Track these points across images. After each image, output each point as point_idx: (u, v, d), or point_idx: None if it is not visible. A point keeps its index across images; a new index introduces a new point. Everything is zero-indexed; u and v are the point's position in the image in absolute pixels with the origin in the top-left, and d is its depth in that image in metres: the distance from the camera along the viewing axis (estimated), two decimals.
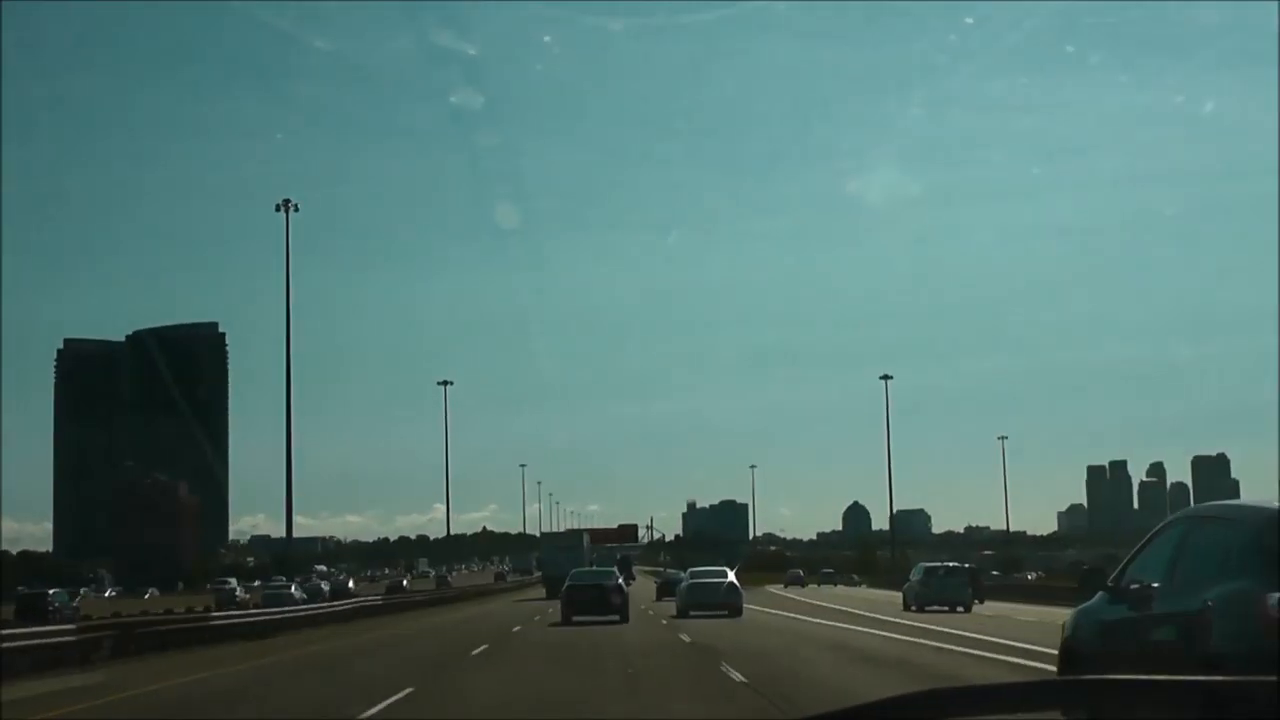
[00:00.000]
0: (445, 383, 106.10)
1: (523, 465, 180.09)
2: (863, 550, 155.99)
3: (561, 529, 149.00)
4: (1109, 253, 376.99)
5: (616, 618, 41.72)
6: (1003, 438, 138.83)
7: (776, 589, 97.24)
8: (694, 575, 51.61)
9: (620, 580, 47.36)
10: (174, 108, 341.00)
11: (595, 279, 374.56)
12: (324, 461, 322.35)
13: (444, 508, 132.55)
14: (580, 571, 50.89)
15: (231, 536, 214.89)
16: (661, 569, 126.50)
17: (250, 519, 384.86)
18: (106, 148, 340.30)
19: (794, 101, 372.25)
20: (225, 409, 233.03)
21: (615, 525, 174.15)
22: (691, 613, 46.63)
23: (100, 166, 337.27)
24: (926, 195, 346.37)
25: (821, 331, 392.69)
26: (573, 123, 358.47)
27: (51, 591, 59.77)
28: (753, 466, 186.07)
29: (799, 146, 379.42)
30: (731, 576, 50.47)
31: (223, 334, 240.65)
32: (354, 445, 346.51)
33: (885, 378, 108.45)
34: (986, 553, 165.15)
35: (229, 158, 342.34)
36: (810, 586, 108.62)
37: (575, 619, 41.77)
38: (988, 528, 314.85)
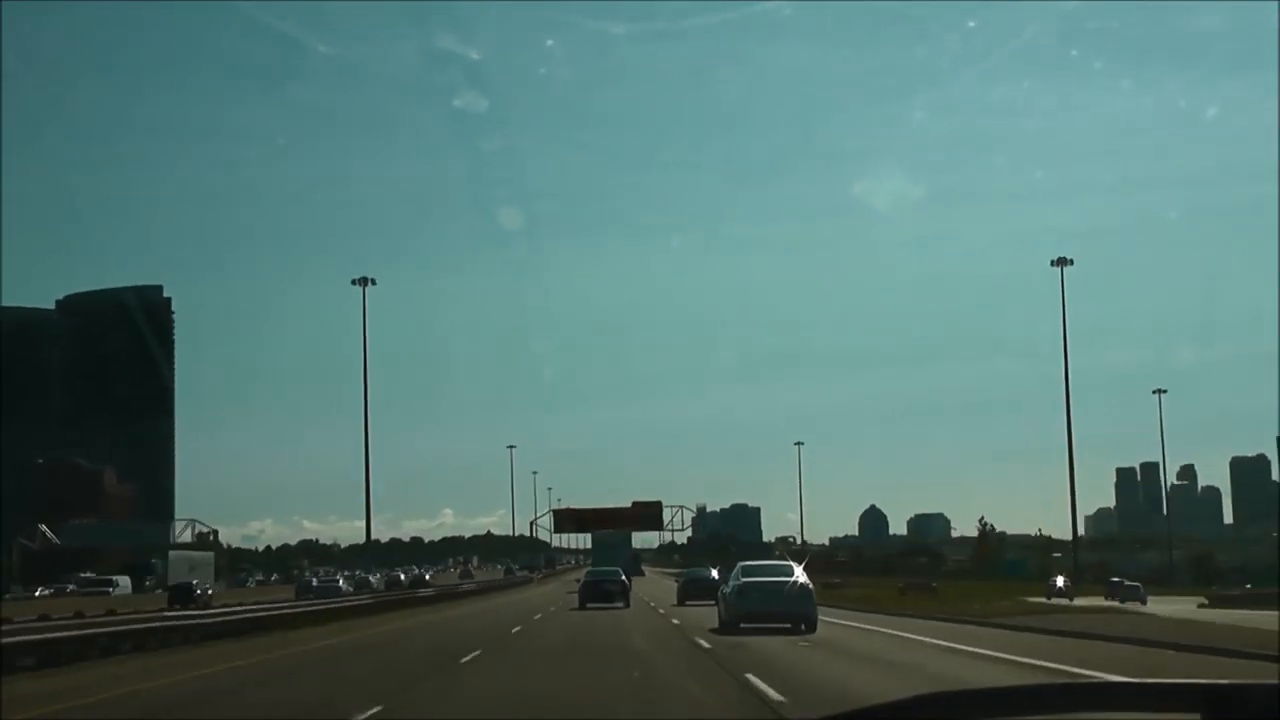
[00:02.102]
0: (364, 281, 75.85)
1: (510, 446, 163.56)
2: (980, 552, 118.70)
3: (573, 536, 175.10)
4: (1112, 256, 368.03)
5: (621, 604, 53.44)
6: (1159, 391, 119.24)
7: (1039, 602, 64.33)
8: (748, 572, 35.87)
9: (624, 578, 58.59)
10: (176, 111, 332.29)
11: (599, 282, 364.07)
12: (330, 466, 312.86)
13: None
14: (594, 570, 65.49)
15: (179, 534, 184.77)
16: (684, 570, 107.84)
17: (257, 524, 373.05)
18: (109, 151, 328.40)
19: (797, 105, 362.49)
20: (171, 385, 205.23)
21: (629, 504, 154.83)
22: (744, 625, 34.05)
23: (102, 170, 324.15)
24: (930, 198, 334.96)
25: (827, 335, 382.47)
26: (576, 126, 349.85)
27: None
28: (798, 443, 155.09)
29: (802, 150, 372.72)
30: (800, 573, 34.78)
31: (168, 299, 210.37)
32: (360, 450, 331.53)
33: (1061, 262, 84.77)
34: (1056, 555, 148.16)
35: (231, 161, 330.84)
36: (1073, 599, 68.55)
37: (589, 605, 53.08)
38: (1004, 533, 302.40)
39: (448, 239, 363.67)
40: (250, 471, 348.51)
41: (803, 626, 33.95)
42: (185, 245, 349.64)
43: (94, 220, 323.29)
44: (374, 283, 74.08)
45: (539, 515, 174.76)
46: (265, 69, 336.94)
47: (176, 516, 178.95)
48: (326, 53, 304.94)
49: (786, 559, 42.34)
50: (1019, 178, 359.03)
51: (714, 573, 61.58)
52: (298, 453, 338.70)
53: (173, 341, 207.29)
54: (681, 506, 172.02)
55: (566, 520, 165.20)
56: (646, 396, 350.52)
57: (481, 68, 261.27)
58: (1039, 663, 23.09)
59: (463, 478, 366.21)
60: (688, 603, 56.84)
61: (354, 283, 73.70)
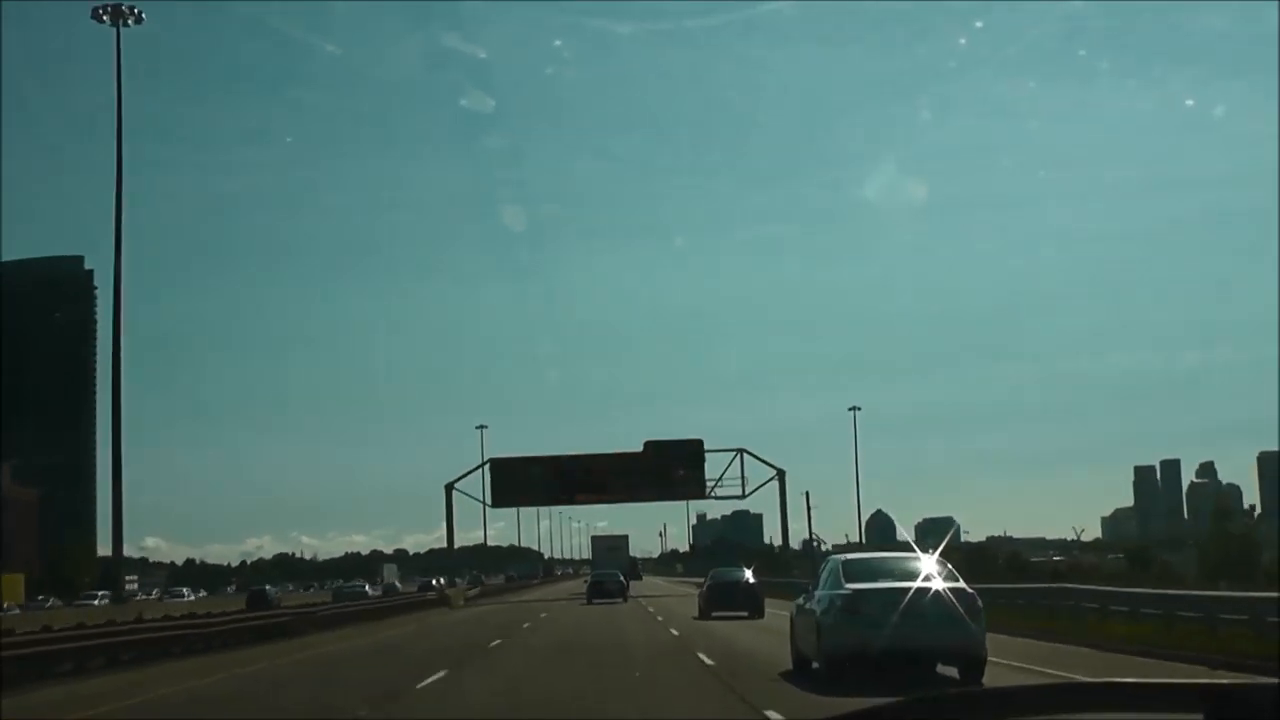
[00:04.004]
0: (113, 11, 52.23)
1: (480, 427, 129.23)
2: (1222, 542, 63.36)
3: (571, 543, 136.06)
4: (1118, 258, 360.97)
5: (620, 600, 65.11)
6: None
7: None
8: (855, 572, 20.86)
9: (622, 579, 71.20)
10: (181, 113, 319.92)
11: (602, 284, 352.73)
12: (335, 480, 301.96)
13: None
14: (597, 572, 78.33)
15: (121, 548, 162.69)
16: (704, 577, 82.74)
17: (255, 540, 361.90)
18: (111, 152, 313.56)
19: (802, 106, 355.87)
20: (90, 370, 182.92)
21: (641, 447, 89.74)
22: (834, 657, 19.54)
23: (105, 171, 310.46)
24: (937, 201, 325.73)
25: (831, 340, 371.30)
26: (582, 127, 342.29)
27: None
28: (853, 409, 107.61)
29: (807, 153, 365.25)
30: (939, 570, 19.81)
31: (90, 271, 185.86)
32: (364, 463, 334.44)
33: None
34: (1115, 555, 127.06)
35: (232, 163, 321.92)
36: None
37: (595, 600, 64.49)
38: (1011, 537, 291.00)
39: (451, 241, 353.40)
40: (242, 487, 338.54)
41: (960, 668, 18.71)
42: (184, 248, 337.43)
43: (91, 222, 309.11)
44: (137, 18, 54.13)
45: (465, 473, 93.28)
46: (267, 70, 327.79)
47: (126, 530, 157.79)
48: (331, 53, 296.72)
49: (913, 548, 25.63)
50: (1024, 179, 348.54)
51: (748, 574, 49.51)
52: (297, 466, 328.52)
53: (94, 320, 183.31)
54: (741, 450, 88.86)
55: (512, 479, 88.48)
56: (647, 402, 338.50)
57: (487, 68, 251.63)
58: None
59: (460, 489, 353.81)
60: (714, 615, 44.90)
61: (94, 16, 53.41)
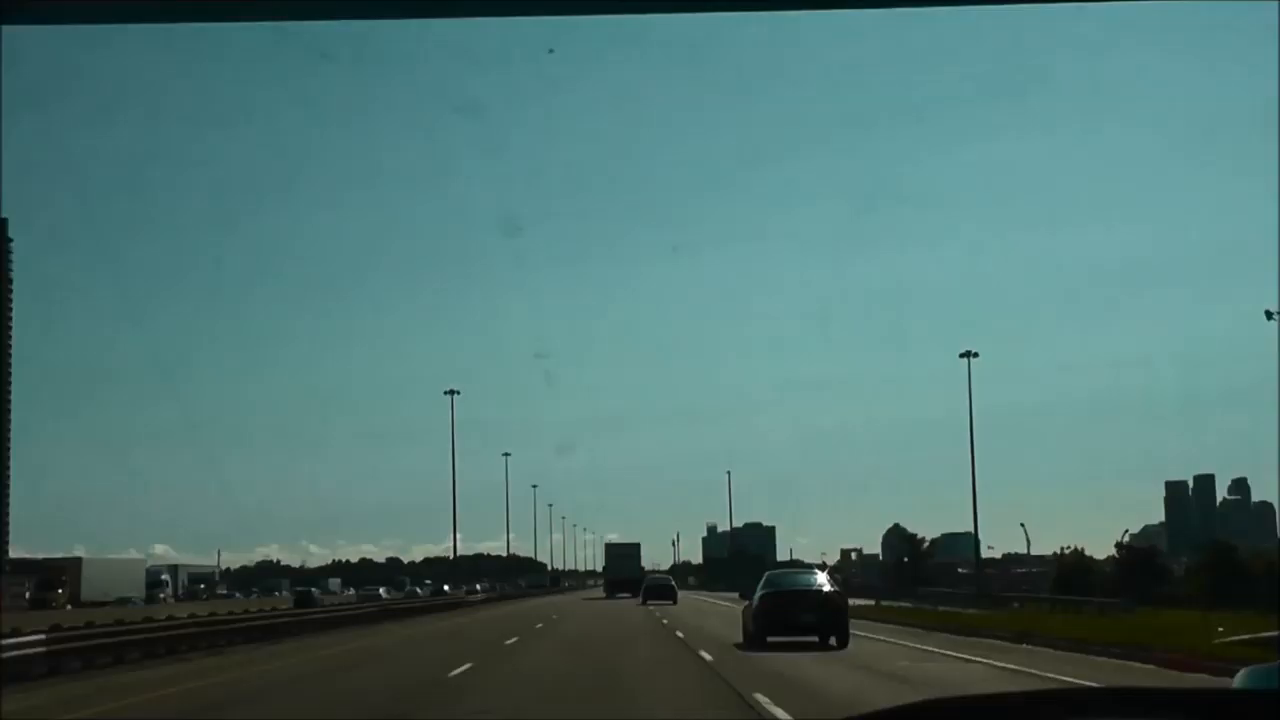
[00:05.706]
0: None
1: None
2: None
3: (580, 555, 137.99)
4: (1118, 268, 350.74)
5: (670, 602, 72.55)
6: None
7: None
8: None
9: (673, 584, 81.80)
10: (175, 129, 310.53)
11: (596, 301, 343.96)
12: (340, 491, 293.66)
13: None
14: (651, 575, 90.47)
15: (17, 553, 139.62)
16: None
17: (263, 549, 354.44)
18: (114, 160, 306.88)
19: (793, 134, 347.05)
20: (6, 339, 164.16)
21: None
22: None
23: (106, 175, 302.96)
24: (945, 220, 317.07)
25: (838, 355, 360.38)
26: (574, 143, 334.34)
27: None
28: (967, 354, 79.49)
29: (799, 178, 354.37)
30: None
31: (4, 219, 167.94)
32: (370, 474, 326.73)
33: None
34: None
35: (217, 186, 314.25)
36: None
37: (649, 602, 72.34)
38: (1024, 554, 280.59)
39: (449, 248, 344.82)
40: (258, 495, 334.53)
41: None
42: (183, 251, 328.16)
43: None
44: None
45: None
46: (250, 94, 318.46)
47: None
48: (320, 73, 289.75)
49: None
50: (1017, 201, 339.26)
51: (822, 578, 34.51)
52: (311, 476, 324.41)
53: (10, 281, 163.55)
54: None
55: None
56: (651, 415, 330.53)
57: (478, 85, 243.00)
58: None
59: (472, 502, 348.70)
60: (770, 639, 31.31)
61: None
